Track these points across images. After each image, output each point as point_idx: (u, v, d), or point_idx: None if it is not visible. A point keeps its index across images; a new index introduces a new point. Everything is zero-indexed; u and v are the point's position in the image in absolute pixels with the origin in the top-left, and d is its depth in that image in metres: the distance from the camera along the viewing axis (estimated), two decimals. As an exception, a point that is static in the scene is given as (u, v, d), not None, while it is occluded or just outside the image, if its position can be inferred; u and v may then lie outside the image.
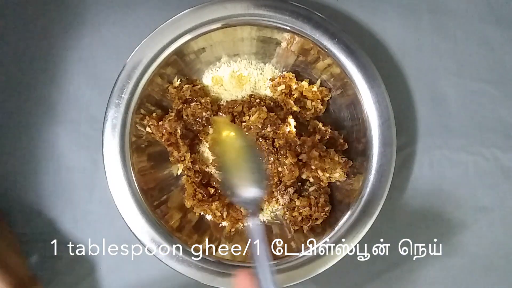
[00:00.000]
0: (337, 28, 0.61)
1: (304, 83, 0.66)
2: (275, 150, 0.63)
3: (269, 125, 0.62)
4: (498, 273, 0.69)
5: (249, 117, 0.63)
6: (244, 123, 0.63)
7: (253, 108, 0.63)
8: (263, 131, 0.62)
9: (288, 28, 0.61)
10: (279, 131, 0.63)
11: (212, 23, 0.61)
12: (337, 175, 0.64)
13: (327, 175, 0.63)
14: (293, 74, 0.67)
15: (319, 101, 0.66)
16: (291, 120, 0.65)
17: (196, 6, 0.61)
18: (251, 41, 0.66)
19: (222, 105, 0.67)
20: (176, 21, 0.61)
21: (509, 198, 0.69)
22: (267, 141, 0.62)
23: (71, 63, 0.69)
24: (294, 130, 0.64)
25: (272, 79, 0.67)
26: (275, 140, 0.62)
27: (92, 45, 0.70)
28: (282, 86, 0.65)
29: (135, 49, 0.60)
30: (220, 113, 0.66)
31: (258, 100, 0.66)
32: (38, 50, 0.69)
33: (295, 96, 0.66)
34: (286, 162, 0.62)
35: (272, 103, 0.67)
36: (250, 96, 0.68)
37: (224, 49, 0.67)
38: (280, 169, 0.63)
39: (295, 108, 0.65)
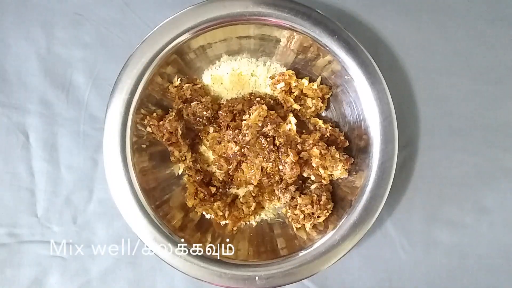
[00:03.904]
0: (337, 25, 0.61)
1: (304, 81, 0.66)
2: (276, 148, 0.62)
3: (269, 123, 0.62)
4: (498, 273, 0.68)
5: (250, 115, 0.63)
6: (244, 122, 0.63)
7: (253, 107, 0.63)
8: (263, 129, 0.62)
9: (288, 25, 0.61)
10: (279, 129, 0.62)
11: (212, 22, 0.61)
12: (339, 172, 0.63)
13: (329, 172, 0.63)
14: (293, 72, 0.66)
15: (319, 99, 0.66)
16: (291, 118, 0.64)
17: (195, 5, 0.61)
18: (251, 39, 0.66)
19: (222, 103, 0.67)
20: (176, 20, 0.61)
21: (509, 198, 0.69)
22: (268, 139, 0.62)
23: (71, 63, 0.70)
24: (294, 128, 0.64)
25: (272, 77, 0.67)
26: (276, 138, 0.62)
27: (92, 45, 0.70)
28: (282, 84, 0.65)
29: (135, 49, 0.60)
30: (221, 112, 0.65)
31: (258, 98, 0.66)
32: (37, 49, 0.70)
33: (295, 94, 0.66)
34: (287, 160, 0.61)
35: (272, 101, 0.67)
36: (250, 94, 0.67)
37: (223, 48, 0.67)
38: (281, 167, 0.63)
39: (295, 106, 0.65)
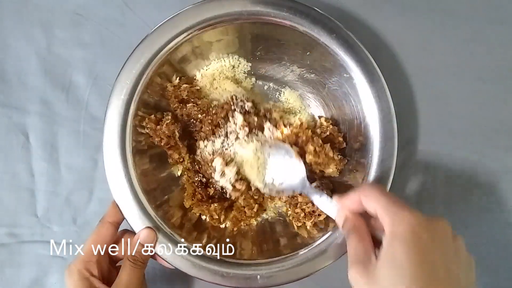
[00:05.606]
0: (335, 23, 0.61)
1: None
2: None
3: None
4: (498, 273, 0.68)
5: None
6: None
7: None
8: None
9: (287, 24, 0.61)
10: None
11: (210, 21, 0.61)
12: (330, 171, 0.64)
13: (321, 169, 0.63)
14: None
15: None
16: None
17: (194, 4, 0.61)
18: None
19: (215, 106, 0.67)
20: (174, 20, 0.60)
21: (509, 198, 0.69)
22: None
23: (71, 63, 0.70)
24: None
25: None
26: None
27: (92, 45, 0.70)
28: None
29: (134, 49, 0.60)
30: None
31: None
32: (37, 49, 0.70)
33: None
34: None
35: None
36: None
37: (221, 47, 0.67)
38: None
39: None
